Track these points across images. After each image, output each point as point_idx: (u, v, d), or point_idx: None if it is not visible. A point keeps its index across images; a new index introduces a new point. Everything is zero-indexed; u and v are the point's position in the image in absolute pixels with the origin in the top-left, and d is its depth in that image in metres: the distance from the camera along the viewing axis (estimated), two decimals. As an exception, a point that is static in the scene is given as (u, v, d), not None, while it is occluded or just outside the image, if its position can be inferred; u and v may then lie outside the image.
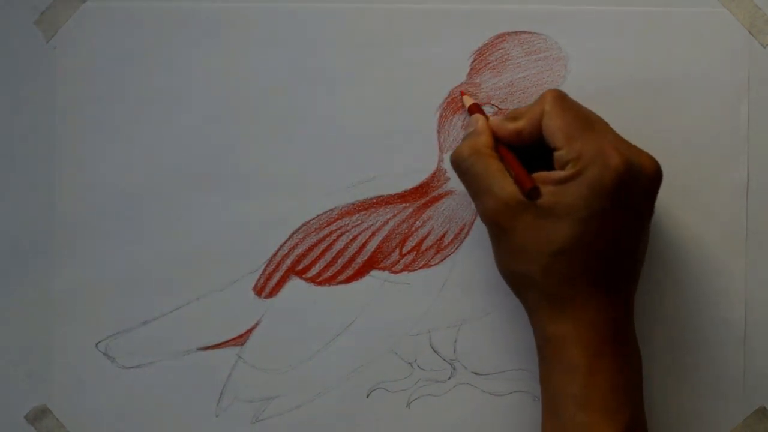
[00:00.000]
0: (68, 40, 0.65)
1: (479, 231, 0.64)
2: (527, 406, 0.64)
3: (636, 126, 0.64)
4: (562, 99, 0.58)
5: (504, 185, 0.57)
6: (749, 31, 0.65)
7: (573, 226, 0.55)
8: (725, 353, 0.64)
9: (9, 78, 0.65)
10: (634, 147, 0.57)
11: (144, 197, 0.65)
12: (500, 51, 0.65)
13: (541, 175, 0.57)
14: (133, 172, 0.65)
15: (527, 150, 0.59)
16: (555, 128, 0.57)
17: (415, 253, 0.64)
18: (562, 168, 0.56)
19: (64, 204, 0.65)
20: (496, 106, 0.64)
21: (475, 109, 0.63)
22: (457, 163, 0.59)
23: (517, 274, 0.58)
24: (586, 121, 0.57)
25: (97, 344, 0.65)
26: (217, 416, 0.65)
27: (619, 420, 0.55)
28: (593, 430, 0.55)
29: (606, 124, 0.58)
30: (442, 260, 0.64)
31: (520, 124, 0.59)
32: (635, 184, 0.56)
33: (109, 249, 0.65)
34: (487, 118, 0.61)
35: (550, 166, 0.58)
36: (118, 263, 0.65)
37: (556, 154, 0.57)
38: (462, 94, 0.64)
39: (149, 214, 0.65)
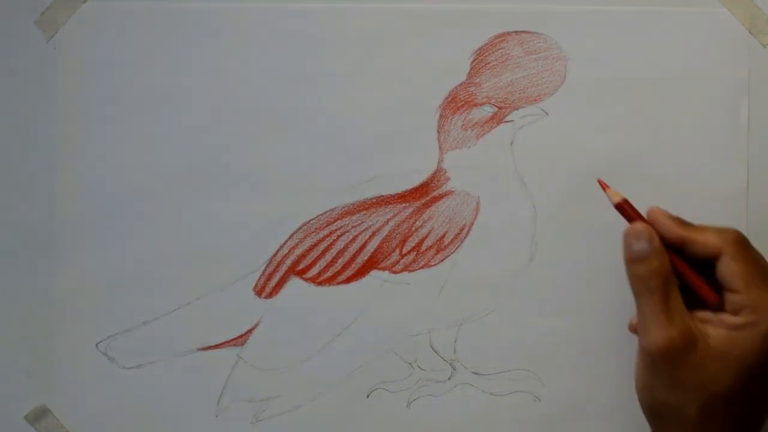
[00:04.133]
0: (68, 40, 0.65)
1: (479, 231, 0.64)
2: (527, 406, 0.64)
3: (636, 126, 0.64)
4: (745, 243, 0.57)
5: (684, 315, 0.56)
6: (749, 31, 0.65)
7: (740, 373, 0.55)
8: (725, 353, 0.64)
9: (9, 78, 0.65)
10: None
11: (144, 197, 0.65)
12: (500, 51, 0.65)
13: (718, 316, 0.56)
14: (133, 172, 0.65)
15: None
16: (737, 271, 0.56)
17: (415, 253, 0.64)
18: (736, 313, 0.56)
19: (64, 204, 0.65)
20: (496, 106, 0.64)
21: (635, 215, 0.58)
22: (643, 286, 0.56)
23: (668, 407, 0.56)
24: (766, 272, 0.57)
25: (97, 344, 0.65)
26: (217, 416, 0.65)
27: None
28: None
29: None
30: (442, 260, 0.64)
31: (692, 236, 0.56)
32: None
33: (109, 249, 0.65)
34: (649, 225, 0.57)
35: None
36: (118, 263, 0.65)
37: (732, 297, 0.56)
38: (604, 188, 0.59)
39: (149, 214, 0.65)
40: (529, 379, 0.64)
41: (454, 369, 0.65)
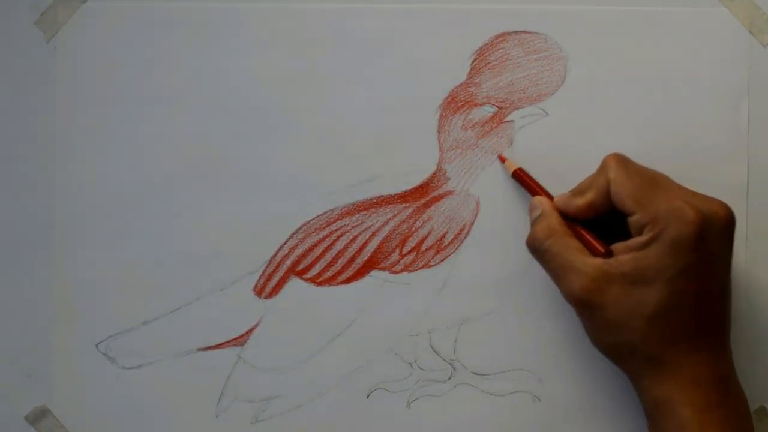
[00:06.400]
0: (68, 40, 0.65)
1: (479, 231, 0.64)
2: (527, 406, 0.64)
3: (636, 126, 0.64)
4: (624, 163, 0.59)
5: (587, 260, 0.57)
6: (749, 31, 0.65)
7: (664, 288, 0.56)
8: (725, 353, 0.64)
9: (9, 78, 0.65)
10: (702, 195, 0.58)
11: (144, 197, 0.65)
12: (500, 51, 0.65)
13: (620, 245, 0.57)
14: (133, 172, 0.65)
15: (599, 221, 0.59)
16: (624, 194, 0.57)
17: (415, 253, 0.64)
18: (639, 232, 0.57)
19: (64, 203, 0.65)
20: (496, 106, 0.64)
21: (530, 182, 0.63)
22: (535, 247, 0.60)
23: (617, 346, 0.58)
24: (652, 181, 0.58)
25: (97, 344, 0.65)
26: (217, 416, 0.65)
27: None
28: None
29: (669, 179, 0.59)
30: (442, 260, 0.64)
31: (589, 197, 0.59)
32: (713, 233, 0.56)
33: (109, 249, 0.65)
34: (550, 197, 0.61)
35: (624, 230, 0.58)
36: (118, 263, 0.65)
37: (631, 219, 0.57)
38: (502, 160, 0.64)
39: (149, 214, 0.65)
40: (529, 379, 0.64)
41: (454, 369, 0.65)
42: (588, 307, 0.57)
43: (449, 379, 0.65)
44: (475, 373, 0.65)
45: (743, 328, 0.64)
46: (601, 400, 0.64)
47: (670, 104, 0.64)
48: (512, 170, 0.63)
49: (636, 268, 0.56)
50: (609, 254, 0.58)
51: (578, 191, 0.60)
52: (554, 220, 0.60)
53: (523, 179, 0.63)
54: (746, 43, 0.65)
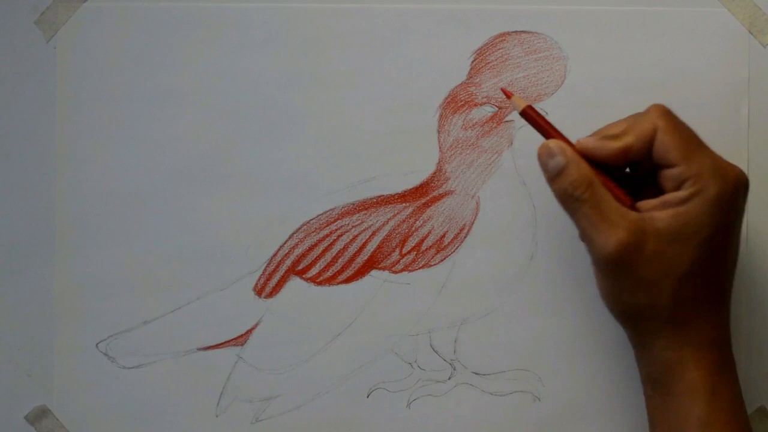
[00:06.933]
0: (68, 40, 0.65)
1: (479, 231, 0.64)
2: (527, 406, 0.64)
3: (636, 126, 0.64)
4: (672, 114, 0.56)
5: (626, 214, 0.54)
6: (749, 31, 0.65)
7: (699, 247, 0.54)
8: (725, 353, 0.64)
9: (9, 78, 0.65)
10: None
11: (144, 197, 0.65)
12: (500, 51, 0.65)
13: (654, 201, 0.55)
14: (133, 172, 0.65)
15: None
16: (671, 145, 0.55)
17: (415, 253, 0.64)
18: (677, 186, 0.55)
19: (64, 204, 0.65)
20: (496, 106, 0.64)
21: (544, 123, 0.59)
22: (572, 195, 0.55)
23: (639, 307, 0.55)
24: (695, 137, 0.56)
25: (97, 344, 0.65)
26: (217, 416, 0.65)
27: None
28: None
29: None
30: (442, 260, 0.64)
31: (628, 140, 0.56)
32: (744, 195, 0.56)
33: (109, 249, 0.65)
34: (568, 143, 0.58)
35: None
36: (118, 263, 0.65)
37: (671, 171, 0.55)
38: (508, 95, 0.60)
39: (149, 214, 0.65)
40: (529, 379, 0.64)
41: (454, 369, 0.65)
42: (620, 264, 0.54)
43: (449, 379, 0.65)
44: (475, 373, 0.65)
45: (743, 328, 0.64)
46: (601, 400, 0.64)
47: (670, 104, 0.64)
48: (521, 108, 0.60)
49: (673, 225, 0.54)
50: (633, 209, 0.55)
51: (611, 136, 0.56)
52: (584, 169, 0.55)
53: (534, 120, 0.59)
54: (746, 44, 0.65)
